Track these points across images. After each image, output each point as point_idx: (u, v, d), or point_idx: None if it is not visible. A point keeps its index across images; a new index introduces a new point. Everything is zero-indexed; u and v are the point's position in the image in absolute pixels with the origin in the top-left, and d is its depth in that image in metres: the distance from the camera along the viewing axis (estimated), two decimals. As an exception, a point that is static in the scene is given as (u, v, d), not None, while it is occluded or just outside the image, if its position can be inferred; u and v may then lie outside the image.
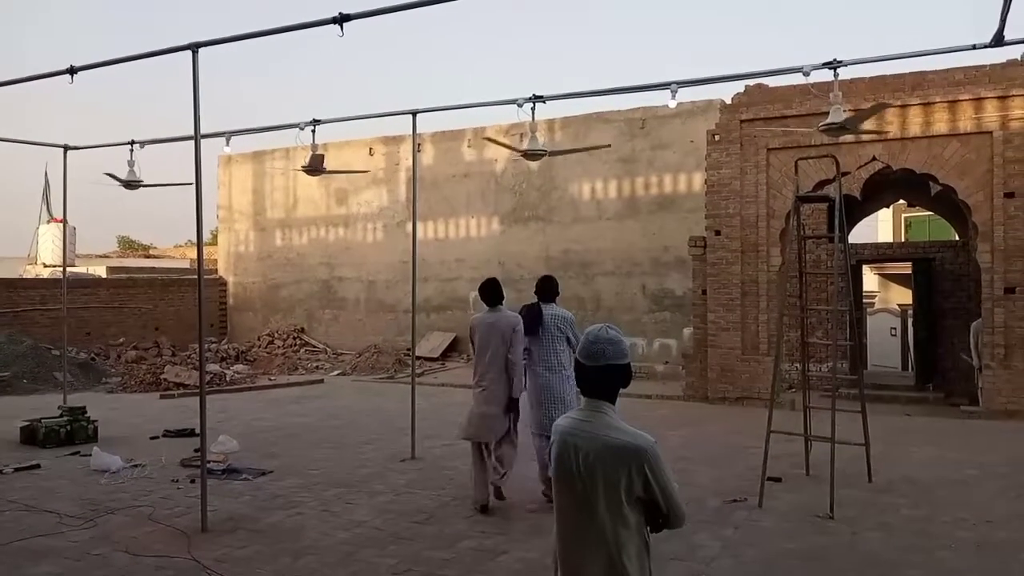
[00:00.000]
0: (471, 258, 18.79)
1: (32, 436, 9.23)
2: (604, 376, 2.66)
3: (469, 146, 18.88)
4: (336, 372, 17.60)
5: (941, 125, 11.29)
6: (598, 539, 2.56)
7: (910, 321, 17.46)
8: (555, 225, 17.79)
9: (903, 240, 26.11)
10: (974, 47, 6.56)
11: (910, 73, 11.68)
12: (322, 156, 9.63)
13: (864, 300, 19.19)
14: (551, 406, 6.61)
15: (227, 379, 15.65)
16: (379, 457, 8.63)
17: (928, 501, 6.80)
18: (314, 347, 20.31)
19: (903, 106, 11.46)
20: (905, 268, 19.24)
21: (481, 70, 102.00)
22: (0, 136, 10.74)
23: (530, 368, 6.74)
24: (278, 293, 21.62)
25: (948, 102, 11.27)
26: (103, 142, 10.93)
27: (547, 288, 6.95)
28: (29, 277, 21.18)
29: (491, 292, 6.77)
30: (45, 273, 21.66)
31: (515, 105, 8.17)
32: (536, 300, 6.92)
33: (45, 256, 22.61)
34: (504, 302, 6.82)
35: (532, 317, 6.73)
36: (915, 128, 11.42)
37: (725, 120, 12.69)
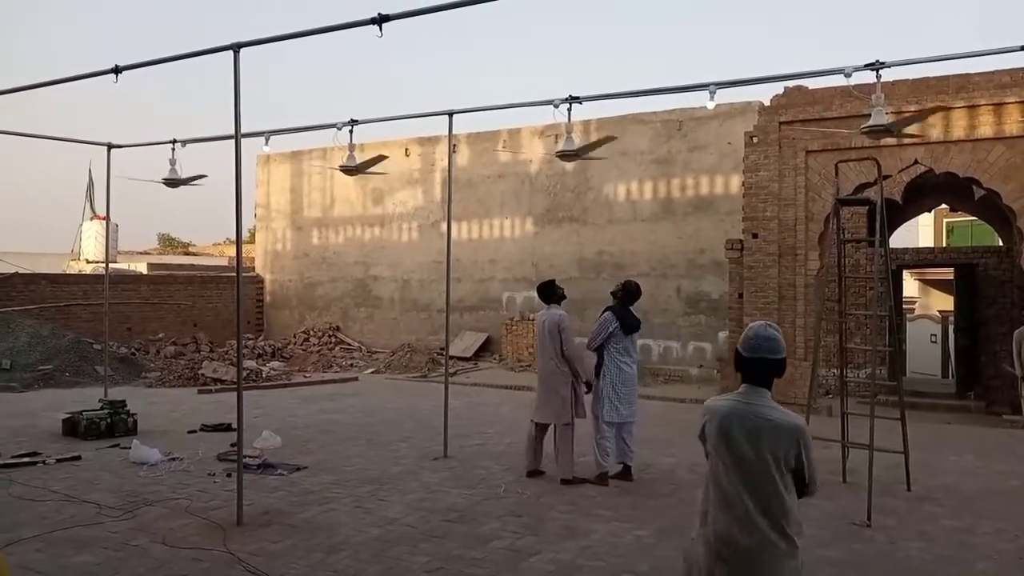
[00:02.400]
0: (504, 259, 18.81)
1: (73, 428, 9.43)
2: (760, 367, 3.10)
3: (504, 147, 18.89)
4: (370, 370, 17.73)
5: (986, 128, 11.06)
6: (760, 504, 2.95)
7: (951, 328, 17.12)
8: (589, 226, 17.74)
9: (945, 245, 25.62)
10: (1022, 48, 6.42)
11: (954, 75, 11.47)
12: (382, 157, 9.80)
13: (904, 306, 18.86)
14: (631, 399, 7.56)
15: (263, 375, 15.84)
16: (412, 455, 8.67)
17: (969, 511, 6.67)
18: (349, 345, 20.48)
19: (947, 108, 11.24)
20: (947, 274, 18.87)
21: (517, 71, 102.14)
22: (46, 135, 10.99)
23: (618, 362, 7.51)
24: (314, 291, 21.83)
25: (993, 105, 11.04)
26: (144, 141, 11.12)
27: (637, 293, 7.79)
28: (72, 272, 21.63)
29: (542, 292, 7.88)
30: (88, 269, 22.09)
31: (551, 106, 8.16)
32: (616, 304, 7.70)
33: (88, 252, 23.07)
34: (562, 302, 7.81)
35: (633, 317, 7.65)
36: (959, 131, 11.19)
37: (764, 122, 12.55)
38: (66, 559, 5.30)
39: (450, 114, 8.84)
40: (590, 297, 17.51)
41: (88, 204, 24.09)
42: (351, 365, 18.46)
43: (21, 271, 18.59)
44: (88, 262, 22.78)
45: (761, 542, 2.93)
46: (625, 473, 7.55)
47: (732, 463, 3.02)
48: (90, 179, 23.27)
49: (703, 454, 3.25)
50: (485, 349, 18.73)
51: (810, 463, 3.01)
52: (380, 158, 9.85)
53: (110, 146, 11.03)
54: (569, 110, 8.12)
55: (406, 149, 20.05)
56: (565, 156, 8.95)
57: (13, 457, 8.17)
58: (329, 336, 20.73)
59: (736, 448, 3.01)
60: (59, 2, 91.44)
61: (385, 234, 20.67)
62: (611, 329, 7.53)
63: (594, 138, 17.30)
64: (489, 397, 13.54)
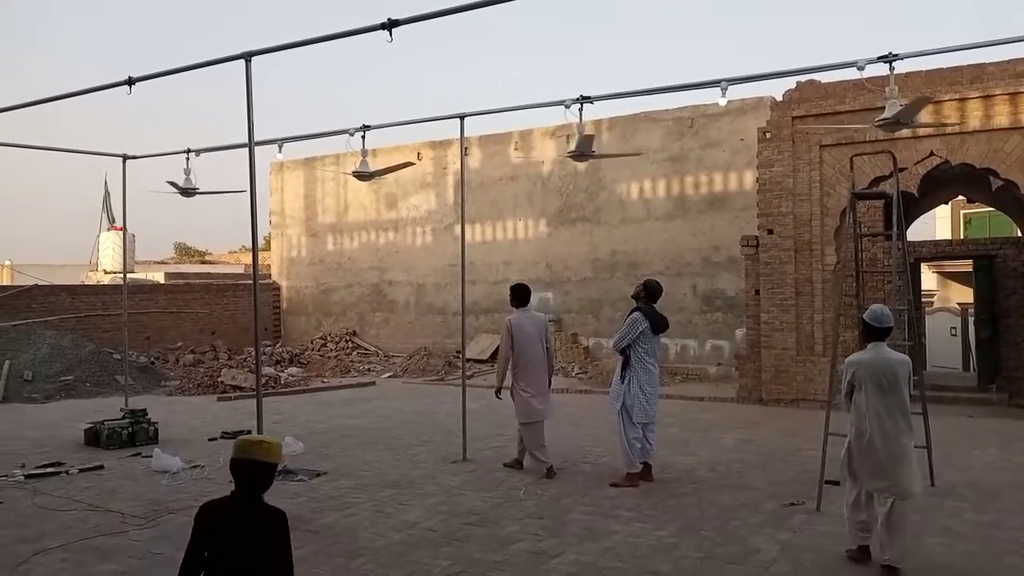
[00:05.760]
0: (518, 260, 18.80)
1: (95, 438, 9.51)
2: (884, 331, 5.31)
3: (516, 148, 18.91)
4: (387, 374, 17.77)
5: (1002, 118, 10.95)
6: (901, 410, 5.18)
7: (971, 320, 16.96)
8: (603, 226, 17.70)
9: (962, 237, 25.39)
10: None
11: (968, 65, 11.37)
12: (406, 164, 9.79)
13: (922, 299, 18.71)
14: (656, 398, 7.64)
15: (281, 382, 15.91)
16: (431, 459, 8.68)
17: (994, 506, 6.61)
18: (365, 350, 20.54)
19: (961, 99, 11.15)
20: (965, 266, 18.70)
21: (528, 72, 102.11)
22: (62, 147, 11.10)
23: (645, 362, 7.52)
24: (330, 297, 21.91)
25: (1009, 94, 10.92)
26: (158, 151, 11.20)
27: (659, 291, 7.79)
28: (91, 283, 21.82)
29: (523, 294, 8.09)
30: (106, 279, 22.29)
31: (563, 106, 8.14)
32: (641, 304, 7.67)
33: (106, 263, 23.28)
34: (520, 306, 8.03)
35: (661, 317, 7.68)
36: (974, 121, 11.09)
37: (776, 117, 12.49)
38: (91, 568, 5.34)
39: (462, 117, 8.85)
40: (605, 297, 17.51)
41: (105, 215, 24.36)
42: (368, 370, 18.52)
43: (41, 283, 18.78)
44: (106, 272, 22.99)
45: (900, 432, 5.17)
46: (646, 472, 7.53)
47: (880, 390, 5.17)
48: (106, 190, 23.52)
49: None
50: (501, 351, 18.69)
51: (912, 381, 5.32)
52: (405, 165, 9.92)
53: (125, 157, 11.13)
54: (580, 110, 8.11)
55: (418, 153, 20.08)
56: (577, 156, 8.93)
57: (37, 467, 8.25)
58: (346, 341, 20.80)
59: (882, 381, 5.17)
60: (69, 14, 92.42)
61: (399, 238, 20.72)
62: (641, 329, 7.48)
63: (606, 138, 17.34)
64: (506, 399, 13.50)
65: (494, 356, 18.42)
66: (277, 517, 3.19)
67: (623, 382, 7.53)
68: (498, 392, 8.27)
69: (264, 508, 3.20)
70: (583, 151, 8.73)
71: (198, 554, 3.13)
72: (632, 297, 7.95)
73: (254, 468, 3.17)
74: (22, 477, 7.89)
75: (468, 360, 15.53)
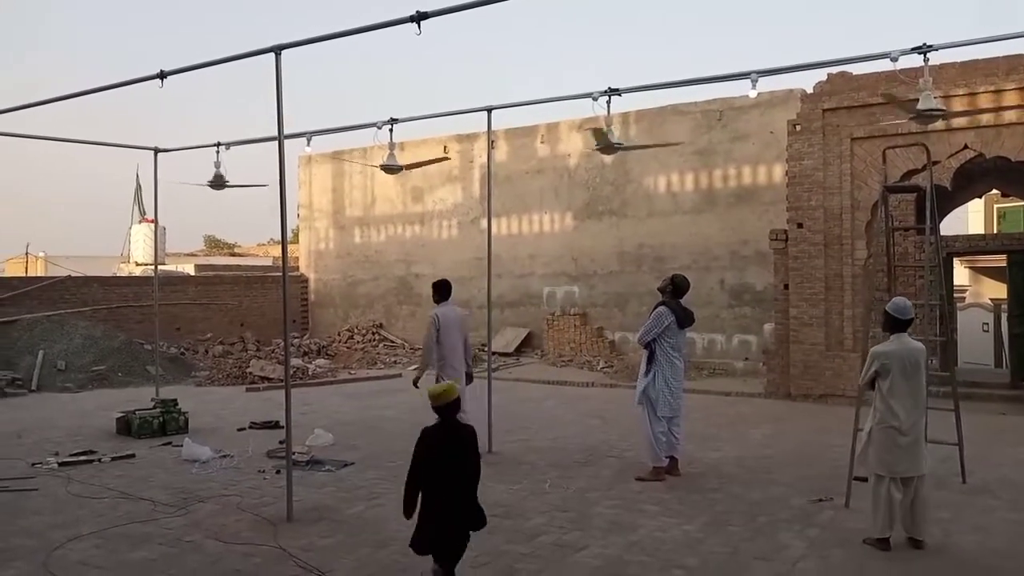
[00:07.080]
0: (544, 254, 18.78)
1: (127, 427, 9.65)
2: (906, 322, 5.63)
3: (542, 142, 18.86)
4: (413, 367, 17.81)
5: (1039, 110, 10.73)
6: (921, 394, 5.60)
7: (1003, 316, 16.67)
8: (629, 219, 17.62)
9: (996, 231, 24.95)
10: (1077, 26, 6.22)
11: (1004, 56, 11.15)
12: (438, 159, 9.76)
13: (955, 294, 18.42)
14: (680, 392, 7.64)
15: (309, 373, 16.04)
16: (457, 451, 8.69)
17: (1027, 504, 6.50)
18: (392, 342, 20.63)
19: (997, 91, 10.94)
20: (998, 261, 18.38)
21: (555, 65, 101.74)
22: (95, 140, 11.25)
23: (670, 356, 7.53)
24: (357, 289, 22.03)
25: (1047, 86, 10.70)
26: (188, 143, 11.31)
27: (686, 287, 7.78)
28: (123, 275, 22.12)
29: (446, 289, 8.43)
30: (137, 271, 22.56)
31: (590, 99, 8.10)
32: (667, 298, 7.66)
33: (137, 255, 23.53)
34: (442, 301, 8.40)
35: (687, 311, 7.69)
36: (1010, 114, 10.88)
37: (807, 110, 12.34)
38: (123, 555, 5.43)
39: (489, 110, 8.85)
40: (631, 291, 17.44)
41: (136, 207, 24.63)
42: (395, 362, 18.59)
43: (74, 274, 19.08)
44: (137, 264, 23.26)
45: (921, 415, 5.62)
46: (672, 466, 7.50)
47: (905, 377, 5.50)
48: (138, 183, 23.78)
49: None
50: (527, 344, 18.73)
51: (928, 364, 5.91)
52: (436, 160, 9.96)
53: (157, 150, 11.25)
54: (608, 102, 8.06)
55: (445, 147, 20.10)
56: (604, 149, 8.88)
57: (70, 455, 8.40)
58: (373, 333, 20.91)
59: (907, 368, 5.51)
60: (100, 8, 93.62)
61: (425, 232, 20.77)
62: (667, 323, 7.47)
63: (633, 131, 17.25)
64: (531, 392, 13.55)
65: (519, 349, 18.49)
66: (469, 430, 4.88)
67: (647, 375, 7.52)
68: (416, 382, 8.41)
69: (459, 426, 4.82)
70: (610, 142, 8.67)
71: (423, 461, 4.76)
72: (659, 290, 7.93)
73: (439, 407, 4.72)
74: (56, 465, 8.04)
75: (494, 353, 15.55)
